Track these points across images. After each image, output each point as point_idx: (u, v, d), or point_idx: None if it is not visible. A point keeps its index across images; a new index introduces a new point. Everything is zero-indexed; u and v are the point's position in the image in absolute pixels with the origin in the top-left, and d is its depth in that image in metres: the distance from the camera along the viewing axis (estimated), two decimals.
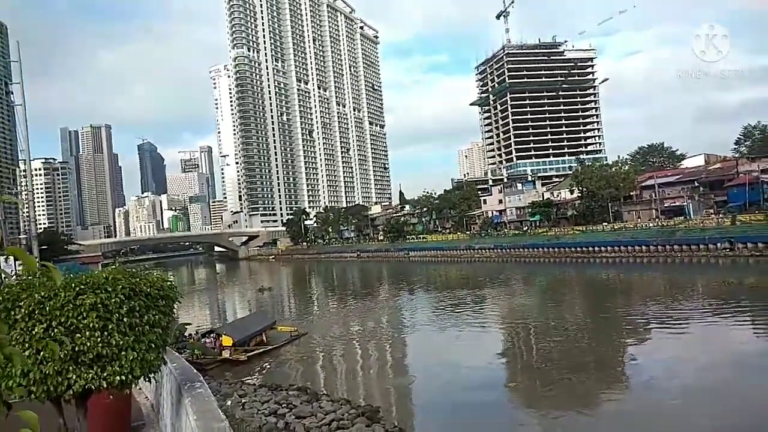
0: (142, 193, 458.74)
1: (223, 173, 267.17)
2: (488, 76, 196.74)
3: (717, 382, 18.33)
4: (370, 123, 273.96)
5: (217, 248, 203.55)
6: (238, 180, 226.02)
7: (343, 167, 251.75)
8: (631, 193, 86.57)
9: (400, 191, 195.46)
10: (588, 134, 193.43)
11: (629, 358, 22.92)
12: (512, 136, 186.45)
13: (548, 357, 23.63)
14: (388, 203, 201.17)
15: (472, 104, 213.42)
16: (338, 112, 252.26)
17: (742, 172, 74.48)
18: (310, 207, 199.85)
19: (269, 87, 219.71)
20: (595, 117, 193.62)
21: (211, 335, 27.53)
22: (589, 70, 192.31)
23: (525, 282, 58.30)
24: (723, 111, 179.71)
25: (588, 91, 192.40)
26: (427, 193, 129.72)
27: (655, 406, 16.45)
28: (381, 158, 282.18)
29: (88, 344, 5.84)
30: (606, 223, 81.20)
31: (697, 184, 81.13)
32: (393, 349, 28.13)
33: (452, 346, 27.44)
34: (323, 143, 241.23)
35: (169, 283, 6.90)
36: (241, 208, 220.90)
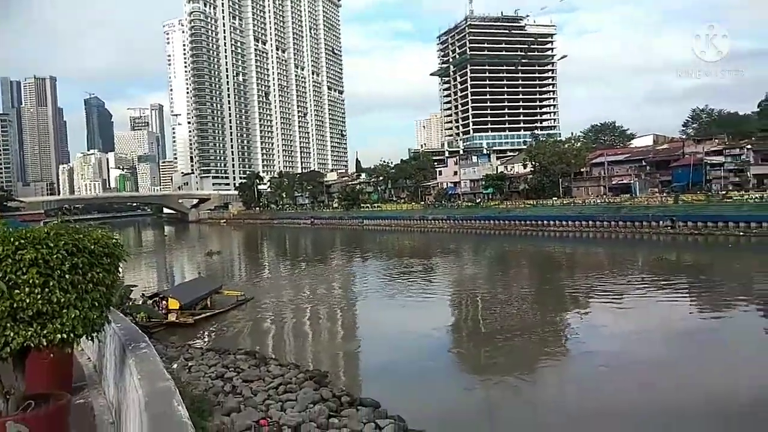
0: (88, 150, 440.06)
1: (174, 133, 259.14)
2: (449, 46, 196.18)
3: (648, 352, 19.31)
4: (329, 88, 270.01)
5: (166, 210, 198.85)
6: (190, 141, 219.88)
7: (300, 132, 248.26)
8: (582, 170, 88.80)
9: (357, 159, 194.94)
10: (544, 110, 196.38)
11: (569, 327, 23.87)
12: (470, 109, 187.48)
13: (494, 325, 24.37)
14: (344, 171, 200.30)
15: (432, 74, 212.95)
16: (296, 75, 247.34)
17: (687, 153, 77.37)
18: (264, 171, 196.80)
19: (225, 45, 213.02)
20: (551, 93, 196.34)
21: (157, 298, 27.10)
22: (549, 46, 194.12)
23: (475, 253, 59.50)
24: (674, 93, 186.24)
25: (546, 68, 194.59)
26: (384, 162, 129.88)
27: (588, 373, 17.26)
28: (339, 125, 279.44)
29: (28, 301, 5.66)
30: (556, 198, 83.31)
31: (644, 164, 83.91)
32: (343, 315, 28.41)
33: (401, 313, 27.93)
34: (280, 106, 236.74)
35: (114, 240, 6.71)
36: (192, 170, 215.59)
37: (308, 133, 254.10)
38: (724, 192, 66.23)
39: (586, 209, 73.24)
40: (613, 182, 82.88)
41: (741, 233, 53.77)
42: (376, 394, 14.66)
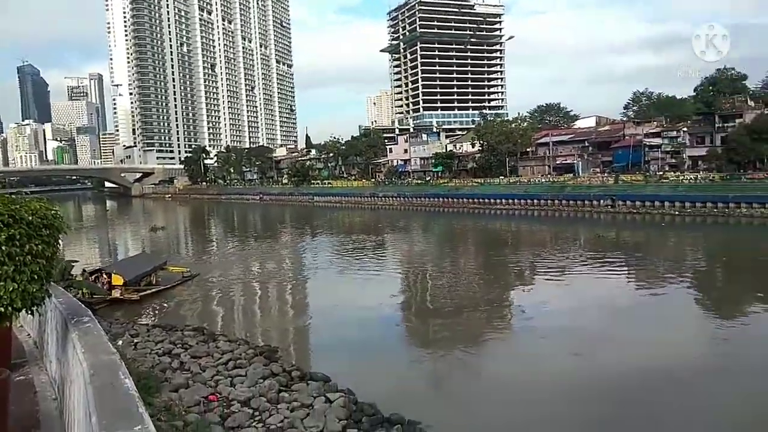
0: (23, 120, 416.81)
1: (115, 104, 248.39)
2: (400, 23, 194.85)
3: (585, 325, 20.17)
4: (278, 62, 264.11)
5: (108, 184, 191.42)
6: (132, 112, 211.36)
7: (248, 106, 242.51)
8: (528, 150, 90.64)
9: (307, 135, 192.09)
10: (492, 90, 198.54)
11: (514, 302, 24.65)
12: (420, 87, 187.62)
13: (442, 300, 24.86)
14: (293, 146, 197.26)
15: (382, 51, 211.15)
16: (243, 48, 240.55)
17: (627, 135, 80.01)
18: (210, 145, 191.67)
19: (169, 14, 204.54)
20: (499, 73, 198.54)
21: (100, 274, 26.25)
22: (497, 26, 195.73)
23: (424, 230, 60.21)
24: (616, 76, 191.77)
25: (494, 48, 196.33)
26: (334, 138, 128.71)
27: (530, 345, 17.91)
28: (288, 99, 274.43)
29: None
30: (503, 177, 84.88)
31: (587, 144, 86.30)
32: (293, 290, 28.34)
33: (351, 289, 28.11)
34: (227, 79, 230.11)
35: (53, 212, 6.44)
36: (134, 143, 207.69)
37: (256, 107, 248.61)
38: (661, 173, 69.10)
39: (532, 188, 75.04)
40: (558, 162, 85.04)
41: (676, 212, 56.39)
42: (327, 368, 14.79)
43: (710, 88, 71.70)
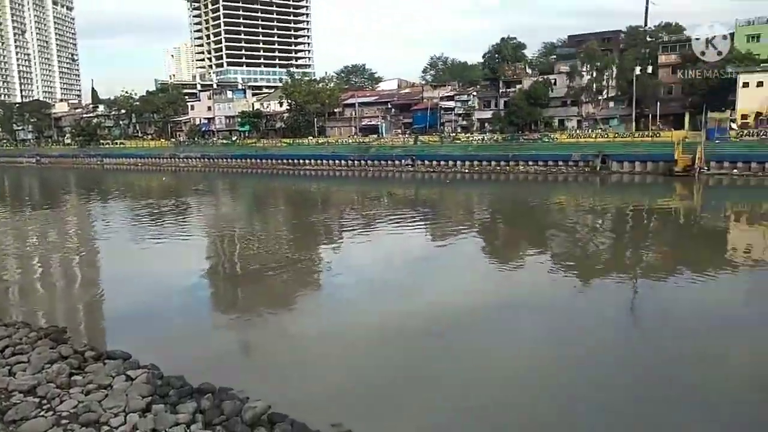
0: None
1: None
2: None
3: (386, 277, 21.46)
4: (54, 3, 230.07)
5: None
6: None
7: (18, 53, 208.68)
8: (335, 110, 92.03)
9: (93, 89, 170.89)
10: (299, 47, 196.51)
11: (323, 260, 25.20)
12: (224, 41, 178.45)
13: (251, 263, 24.47)
14: (77, 102, 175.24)
15: None
16: None
17: (426, 97, 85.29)
18: None
19: None
20: (306, 31, 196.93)
21: None
22: None
23: (232, 192, 58.43)
24: (417, 40, 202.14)
25: (301, 3, 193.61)
26: (126, 93, 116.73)
27: (338, 300, 18.58)
28: (68, 47, 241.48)
29: None
30: (311, 137, 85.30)
31: (390, 106, 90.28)
32: (81, 263, 25.56)
33: (150, 257, 26.26)
34: None
35: None
36: None
37: (29, 55, 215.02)
38: (454, 134, 75.24)
39: (339, 149, 76.69)
40: (364, 123, 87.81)
41: (466, 171, 62.10)
42: (126, 345, 13.72)
43: (496, 55, 79.03)
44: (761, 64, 60.43)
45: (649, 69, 65.73)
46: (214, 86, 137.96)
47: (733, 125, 54.91)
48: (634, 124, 63.73)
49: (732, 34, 67.02)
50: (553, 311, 16.88)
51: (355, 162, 71.30)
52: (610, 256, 25.34)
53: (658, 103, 64.85)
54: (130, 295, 19.60)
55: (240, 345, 15.32)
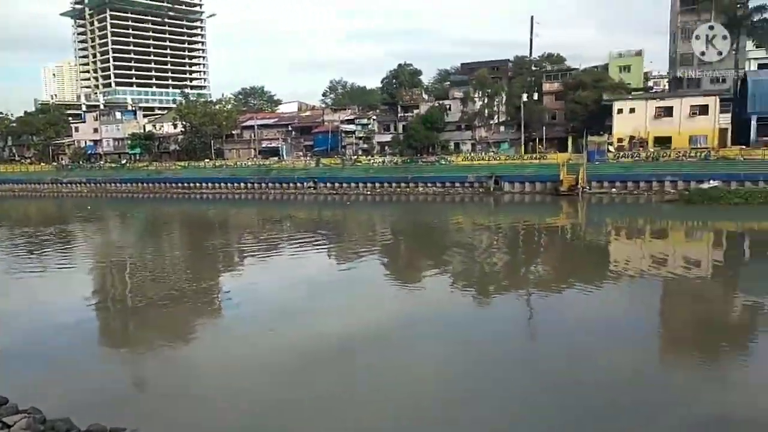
0: None
1: None
2: None
3: (295, 303, 21.08)
4: None
5: None
6: None
7: None
8: (233, 132, 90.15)
9: None
10: (194, 68, 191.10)
11: (222, 288, 24.32)
12: (111, 59, 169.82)
13: (143, 293, 23.12)
14: None
15: (63, 14, 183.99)
16: None
17: (327, 120, 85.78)
18: None
19: None
20: (201, 52, 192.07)
21: None
22: (197, 1, 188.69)
23: (122, 218, 55.23)
24: (316, 64, 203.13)
25: (195, 24, 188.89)
26: (1, 114, 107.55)
27: (237, 328, 17.94)
28: None
29: None
30: (208, 160, 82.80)
31: (290, 129, 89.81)
32: None
33: (30, 290, 24.06)
34: None
35: None
36: None
37: None
38: (355, 156, 76.06)
39: (239, 171, 75.04)
40: (263, 145, 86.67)
41: (368, 192, 62.88)
42: (2, 388, 12.41)
43: (393, 80, 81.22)
44: (632, 93, 66.62)
45: (535, 96, 70.41)
46: (101, 107, 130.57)
47: (611, 148, 59.78)
48: (523, 147, 67.68)
49: (606, 65, 73.48)
50: (455, 326, 17.33)
51: (255, 185, 70.02)
52: (506, 271, 26.54)
53: (544, 128, 69.44)
54: (5, 334, 17.82)
55: (133, 381, 14.35)
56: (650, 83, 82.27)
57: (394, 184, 62.84)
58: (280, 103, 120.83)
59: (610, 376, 13.17)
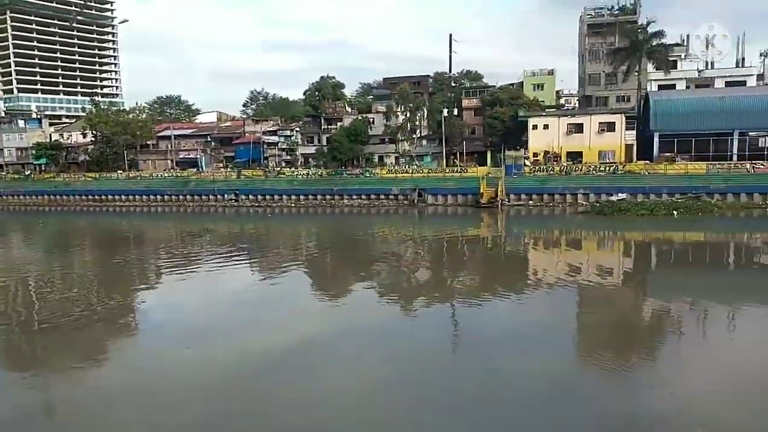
0: None
1: None
2: None
3: (216, 320, 20.31)
4: None
5: None
6: None
7: None
8: (149, 142, 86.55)
9: None
10: (105, 75, 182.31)
11: (138, 305, 23.08)
12: (13, 64, 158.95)
13: (51, 313, 21.47)
14: None
15: None
16: None
17: (248, 131, 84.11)
18: None
19: None
20: (113, 58, 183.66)
21: None
22: (108, 7, 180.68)
23: (25, 232, 51.50)
24: (237, 74, 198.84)
25: (106, 30, 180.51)
26: None
27: (158, 350, 17.02)
28: None
29: None
30: (122, 171, 78.85)
31: (209, 139, 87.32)
32: None
33: None
34: None
35: None
36: None
37: None
38: (278, 168, 74.90)
39: (154, 183, 71.91)
40: (181, 156, 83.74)
41: (292, 204, 62.03)
42: None
43: (316, 92, 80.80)
44: (546, 110, 69.87)
45: (455, 111, 72.30)
46: (2, 114, 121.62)
47: (527, 162, 62.23)
48: (444, 160, 69.16)
49: (521, 83, 76.73)
50: (379, 338, 17.27)
51: (173, 197, 67.37)
52: (430, 282, 26.83)
53: (464, 142, 71.39)
54: None
55: (37, 407, 13.24)
56: (562, 101, 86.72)
57: (319, 196, 62.33)
58: (199, 113, 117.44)
59: (526, 380, 13.53)
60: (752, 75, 67.25)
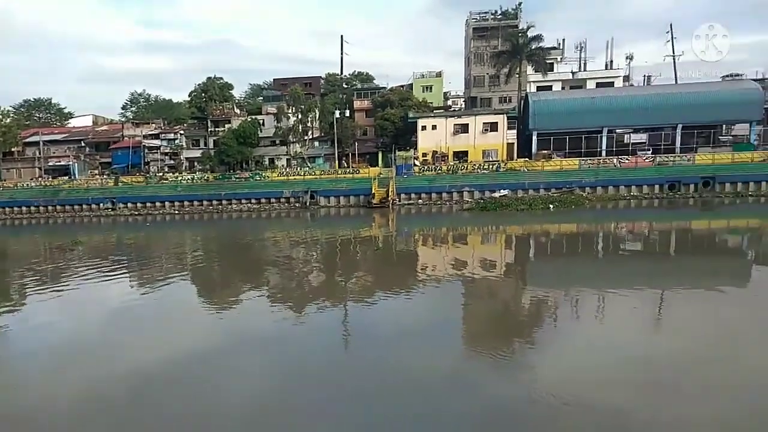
0: None
1: None
2: None
3: (89, 337, 18.66)
4: None
5: None
6: None
7: None
8: (13, 149, 79.04)
9: None
10: None
11: None
12: None
13: None
14: None
15: None
16: None
17: (127, 135, 79.23)
18: None
19: None
20: None
21: None
22: None
23: None
24: (111, 75, 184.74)
25: None
26: None
27: (20, 372, 15.32)
28: None
29: None
30: None
31: (84, 145, 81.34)
32: None
33: None
34: None
35: None
36: None
37: None
38: (161, 174, 71.09)
39: (19, 194, 65.80)
40: (51, 163, 77.35)
41: (176, 211, 59.04)
42: None
43: (203, 94, 77.63)
44: (434, 111, 71.82)
45: (347, 113, 72.45)
46: None
47: (417, 162, 63.60)
48: (336, 162, 69.07)
49: (411, 85, 78.36)
50: (274, 343, 16.68)
51: (41, 208, 61.90)
52: (322, 283, 26.39)
53: (356, 143, 71.70)
54: None
55: None
56: (449, 102, 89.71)
57: (205, 202, 59.85)
58: (72, 117, 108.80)
59: (418, 372, 13.55)
60: (619, 76, 73.25)
